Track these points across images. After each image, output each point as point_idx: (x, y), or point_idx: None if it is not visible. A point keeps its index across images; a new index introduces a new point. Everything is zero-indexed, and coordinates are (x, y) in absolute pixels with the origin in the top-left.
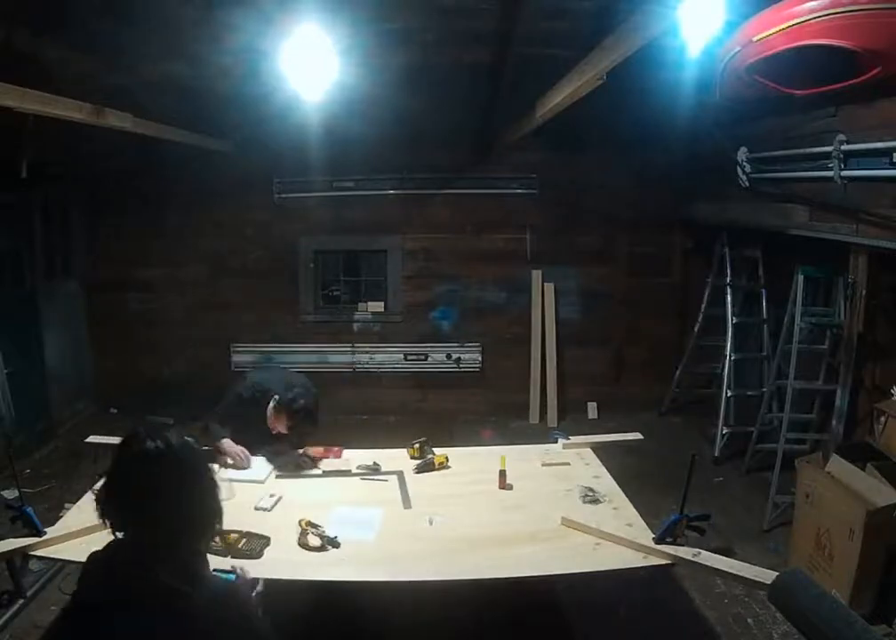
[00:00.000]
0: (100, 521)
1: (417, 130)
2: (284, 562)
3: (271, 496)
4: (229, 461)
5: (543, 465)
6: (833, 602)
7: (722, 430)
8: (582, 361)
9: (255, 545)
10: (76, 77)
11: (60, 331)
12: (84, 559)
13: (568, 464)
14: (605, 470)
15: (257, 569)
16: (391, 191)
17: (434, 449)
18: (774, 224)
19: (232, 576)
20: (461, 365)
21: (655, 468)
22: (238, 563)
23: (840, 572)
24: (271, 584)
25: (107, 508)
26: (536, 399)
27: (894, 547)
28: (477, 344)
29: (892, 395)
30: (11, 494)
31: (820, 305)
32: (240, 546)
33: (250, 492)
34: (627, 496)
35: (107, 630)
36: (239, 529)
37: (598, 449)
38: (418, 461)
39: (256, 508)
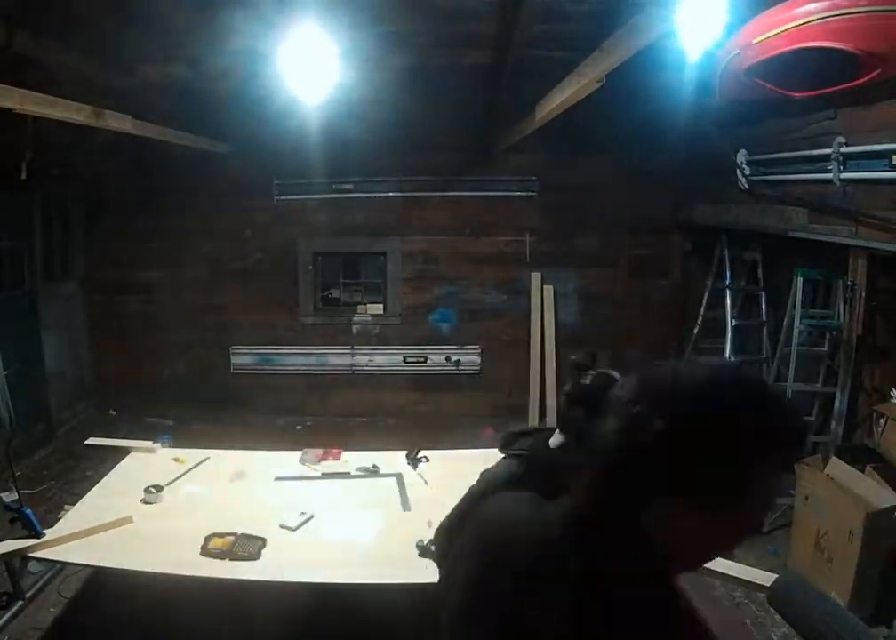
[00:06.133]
0: None
1: (416, 132)
2: (280, 564)
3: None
4: None
5: None
6: (832, 604)
7: None
8: None
9: (251, 547)
10: (76, 79)
11: (60, 332)
12: (83, 561)
13: None
14: None
15: (255, 571)
16: (390, 193)
17: (430, 452)
18: (774, 226)
19: None
20: (460, 368)
21: None
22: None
23: (839, 574)
24: (269, 586)
25: None
26: (535, 401)
27: (893, 549)
28: (476, 346)
29: (892, 397)
30: (10, 496)
31: (819, 307)
32: (235, 548)
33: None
34: None
35: None
36: (233, 531)
37: None
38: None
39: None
